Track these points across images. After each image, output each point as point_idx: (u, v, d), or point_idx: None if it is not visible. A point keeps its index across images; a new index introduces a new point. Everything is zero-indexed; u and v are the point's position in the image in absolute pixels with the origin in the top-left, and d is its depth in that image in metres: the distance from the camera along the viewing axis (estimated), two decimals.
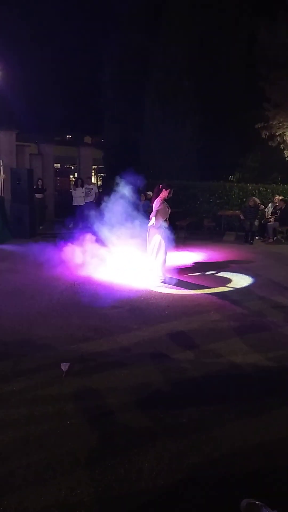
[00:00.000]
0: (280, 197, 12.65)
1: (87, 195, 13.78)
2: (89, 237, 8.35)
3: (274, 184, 14.65)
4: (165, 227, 6.90)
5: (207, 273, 7.79)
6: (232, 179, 16.28)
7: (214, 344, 4.38)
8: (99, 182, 24.18)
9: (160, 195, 6.81)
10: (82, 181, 14.18)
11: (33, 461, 2.54)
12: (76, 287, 6.53)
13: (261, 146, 15.58)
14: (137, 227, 7.61)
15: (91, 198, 13.76)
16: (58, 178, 22.52)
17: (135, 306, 5.61)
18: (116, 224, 7.87)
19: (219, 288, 6.74)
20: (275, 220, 12.24)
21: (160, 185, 6.94)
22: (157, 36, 16.82)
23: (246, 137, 15.94)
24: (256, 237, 12.24)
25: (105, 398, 3.27)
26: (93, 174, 21.67)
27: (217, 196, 14.46)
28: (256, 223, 12.00)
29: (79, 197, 13.67)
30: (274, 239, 12.12)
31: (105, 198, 8.34)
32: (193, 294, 6.34)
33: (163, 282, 6.88)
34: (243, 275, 7.65)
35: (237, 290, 6.65)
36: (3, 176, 13.81)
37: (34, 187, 13.09)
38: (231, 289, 6.75)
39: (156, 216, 6.73)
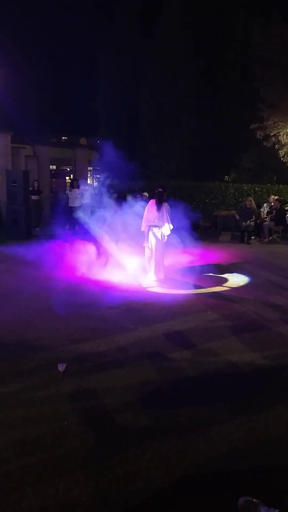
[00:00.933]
0: (276, 197, 12.72)
1: (83, 196, 13.78)
2: (85, 238, 8.34)
3: (269, 184, 14.72)
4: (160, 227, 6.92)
5: (203, 273, 7.80)
6: (227, 180, 16.34)
7: (210, 343, 4.39)
8: (95, 183, 24.17)
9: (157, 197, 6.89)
10: (78, 182, 14.19)
11: (31, 462, 2.54)
12: (72, 288, 6.52)
13: (256, 147, 15.66)
14: (133, 227, 7.61)
15: (87, 200, 13.74)
16: (54, 179, 22.52)
17: (131, 306, 5.62)
18: (111, 225, 7.87)
19: (215, 287, 6.76)
20: (271, 220, 12.29)
21: (160, 189, 7.00)
22: (153, 37, 16.88)
23: (241, 137, 16.02)
24: (252, 237, 12.29)
25: (102, 398, 3.27)
26: (88, 175, 21.68)
27: (213, 196, 14.50)
28: (252, 223, 12.05)
29: (75, 198, 13.67)
30: (269, 238, 12.17)
31: (101, 200, 8.34)
32: (189, 294, 6.35)
33: (159, 282, 6.89)
34: (239, 274, 7.67)
35: (233, 290, 6.67)
36: None
37: (30, 188, 13.08)
38: (227, 288, 6.77)
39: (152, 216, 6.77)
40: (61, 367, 3.67)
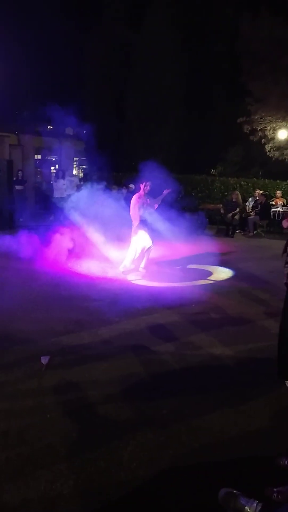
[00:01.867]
0: (261, 192, 12.81)
1: (68, 187, 13.66)
2: (69, 229, 8.26)
3: (255, 179, 14.82)
4: (146, 220, 6.90)
5: (188, 266, 7.83)
6: (214, 173, 16.38)
7: (194, 336, 4.42)
8: (81, 174, 23.97)
9: (140, 192, 6.85)
10: (63, 172, 14.05)
11: (13, 454, 2.52)
12: (56, 280, 6.47)
13: (243, 141, 15.73)
14: (118, 220, 7.57)
15: (72, 190, 13.63)
16: (39, 169, 22.21)
17: (116, 299, 5.60)
18: (97, 216, 7.82)
19: (199, 281, 6.79)
20: (256, 214, 12.39)
21: (146, 182, 6.95)
22: (141, 29, 16.69)
23: (228, 131, 16.05)
24: (237, 231, 12.37)
25: (86, 391, 3.27)
26: (74, 166, 21.46)
27: (199, 189, 14.53)
28: (237, 216, 12.12)
29: (60, 189, 13.54)
30: (254, 232, 12.27)
31: (86, 190, 8.28)
32: (174, 287, 6.37)
33: (144, 275, 6.88)
34: (224, 268, 7.72)
35: (217, 283, 6.72)
36: None
37: (14, 178, 12.87)
38: (212, 282, 6.81)
39: (138, 211, 6.74)
40: (44, 360, 3.65)
